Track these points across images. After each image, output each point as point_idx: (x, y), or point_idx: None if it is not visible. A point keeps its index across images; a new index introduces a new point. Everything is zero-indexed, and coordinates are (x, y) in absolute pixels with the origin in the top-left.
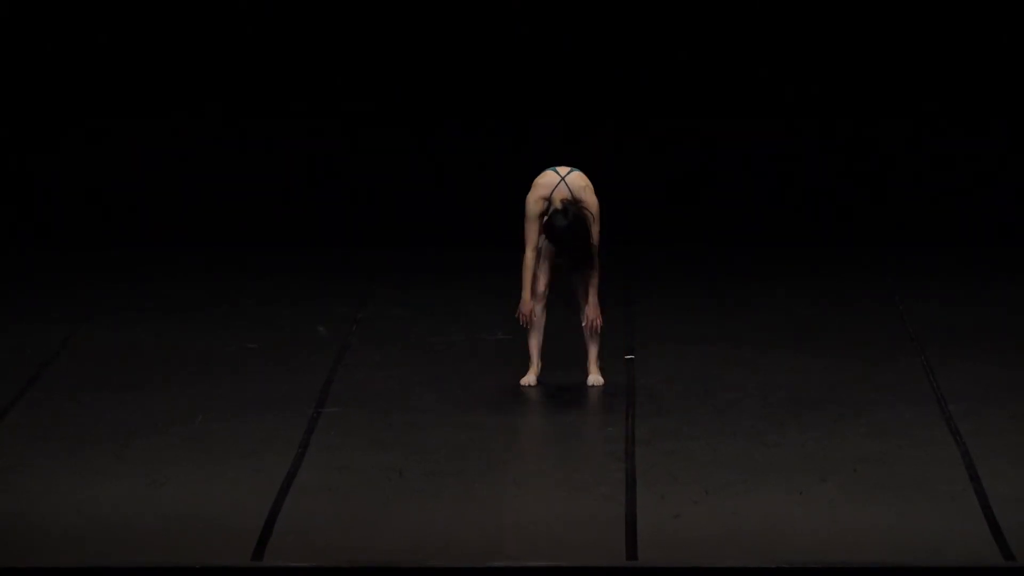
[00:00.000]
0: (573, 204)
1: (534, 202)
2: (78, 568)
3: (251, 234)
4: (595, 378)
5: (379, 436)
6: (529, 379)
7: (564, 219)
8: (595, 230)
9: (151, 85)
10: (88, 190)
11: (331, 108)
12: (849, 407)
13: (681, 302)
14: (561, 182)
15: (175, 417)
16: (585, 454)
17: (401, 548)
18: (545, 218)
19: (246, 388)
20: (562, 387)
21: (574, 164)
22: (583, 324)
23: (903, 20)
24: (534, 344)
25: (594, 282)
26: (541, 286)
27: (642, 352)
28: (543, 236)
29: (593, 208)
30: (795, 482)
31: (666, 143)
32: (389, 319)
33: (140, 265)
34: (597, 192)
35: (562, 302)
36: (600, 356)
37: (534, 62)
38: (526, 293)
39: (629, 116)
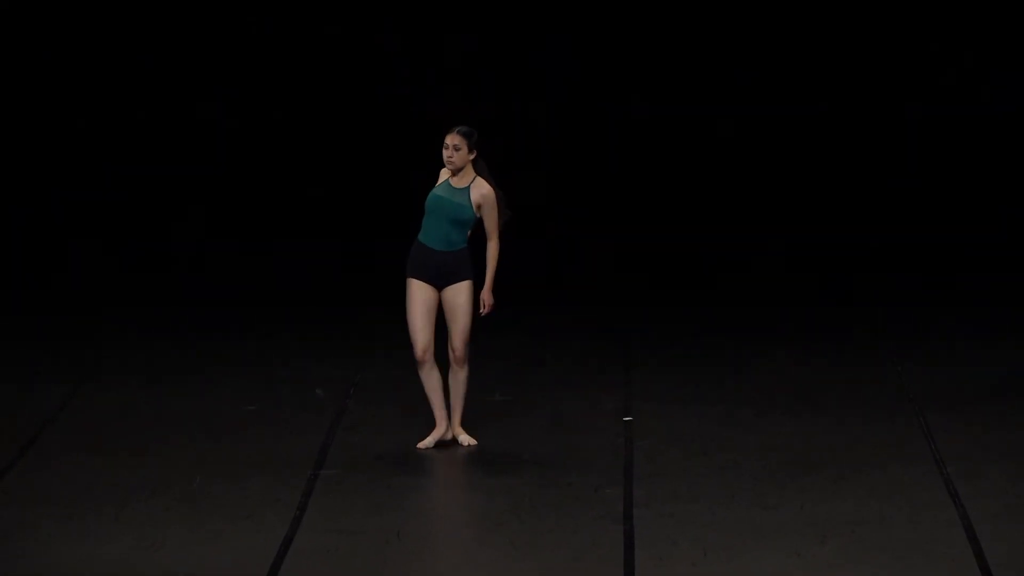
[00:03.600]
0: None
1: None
2: None
3: (249, 295)
4: (466, 438)
5: (377, 498)
6: (426, 441)
7: None
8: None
9: (152, 150)
10: (85, 249)
11: (327, 164)
12: (848, 468)
13: (679, 363)
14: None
15: (173, 479)
16: (583, 516)
17: None
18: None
19: (244, 450)
20: (560, 448)
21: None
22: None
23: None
24: (433, 405)
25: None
26: (420, 348)
27: (640, 413)
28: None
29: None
30: (794, 544)
31: (662, 206)
32: (387, 381)
33: (138, 326)
34: None
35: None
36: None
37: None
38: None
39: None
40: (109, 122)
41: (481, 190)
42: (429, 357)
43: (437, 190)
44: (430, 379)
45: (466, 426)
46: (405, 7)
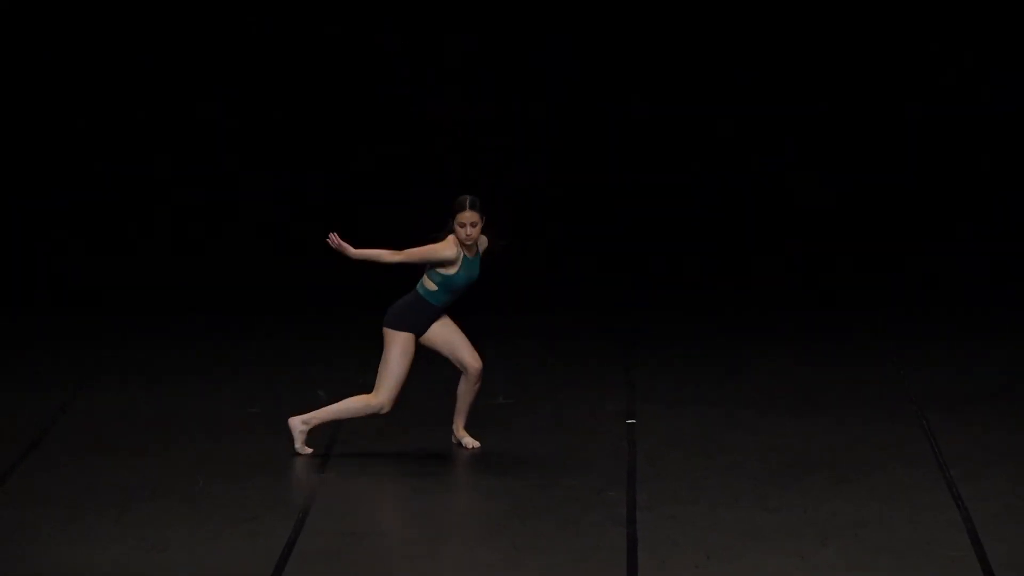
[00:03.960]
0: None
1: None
2: None
3: (252, 299)
4: (470, 441)
5: (380, 501)
6: (301, 447)
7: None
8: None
9: (152, 151)
10: (86, 254)
11: (329, 172)
12: (850, 470)
13: (681, 366)
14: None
15: (175, 481)
16: (586, 518)
17: None
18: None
19: (246, 451)
20: (562, 451)
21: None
22: (468, 386)
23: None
24: (330, 413)
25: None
26: (388, 405)
27: (642, 415)
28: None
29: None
30: (796, 546)
31: (667, 206)
32: None
33: (140, 330)
34: None
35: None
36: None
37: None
38: (366, 252)
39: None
40: (109, 122)
41: (483, 246)
42: (385, 412)
43: (463, 271)
44: (359, 413)
45: (474, 426)
46: (405, 7)
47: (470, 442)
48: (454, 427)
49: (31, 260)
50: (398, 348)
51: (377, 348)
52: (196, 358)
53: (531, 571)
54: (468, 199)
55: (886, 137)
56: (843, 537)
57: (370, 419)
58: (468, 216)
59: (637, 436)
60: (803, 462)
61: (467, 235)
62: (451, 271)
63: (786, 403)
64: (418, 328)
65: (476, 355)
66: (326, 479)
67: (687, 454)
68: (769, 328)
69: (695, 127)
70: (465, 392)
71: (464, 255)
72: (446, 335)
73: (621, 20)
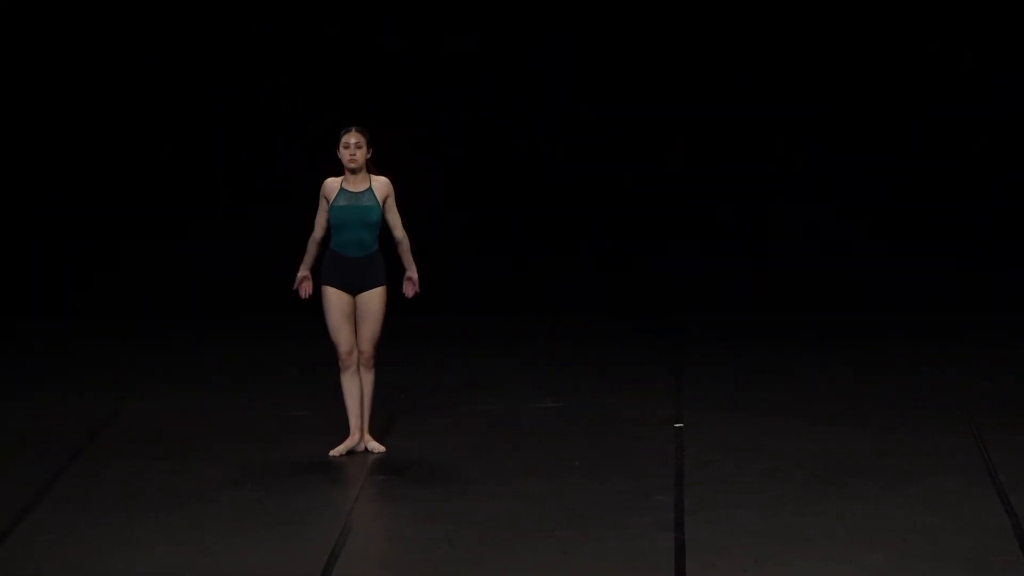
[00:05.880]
0: None
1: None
2: None
3: (296, 303)
4: (375, 445)
5: (427, 505)
6: (338, 449)
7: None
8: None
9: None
10: (135, 261)
11: (329, 171)
12: (898, 477)
13: (729, 371)
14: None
15: (222, 485)
16: (633, 523)
17: None
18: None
19: (293, 456)
20: (610, 455)
21: None
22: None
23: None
24: (350, 413)
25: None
26: (344, 348)
27: (690, 420)
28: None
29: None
30: (845, 552)
31: (713, 214)
32: (436, 388)
33: (188, 334)
34: None
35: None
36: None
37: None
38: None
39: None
40: (109, 123)
41: (381, 183)
42: (354, 360)
43: (339, 200)
44: (351, 385)
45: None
46: (405, 7)
47: (375, 447)
48: (361, 432)
49: (71, 267)
50: (323, 302)
51: (424, 354)
52: (242, 362)
53: (578, 575)
54: (354, 126)
55: (885, 137)
56: (892, 543)
57: (418, 422)
58: (352, 137)
59: (685, 441)
60: (851, 468)
61: (350, 156)
62: (331, 202)
63: (833, 409)
64: (333, 279)
65: (372, 346)
66: (371, 482)
67: (734, 459)
68: (814, 334)
69: (695, 127)
70: (359, 388)
71: (345, 187)
72: (367, 310)
73: (621, 20)
